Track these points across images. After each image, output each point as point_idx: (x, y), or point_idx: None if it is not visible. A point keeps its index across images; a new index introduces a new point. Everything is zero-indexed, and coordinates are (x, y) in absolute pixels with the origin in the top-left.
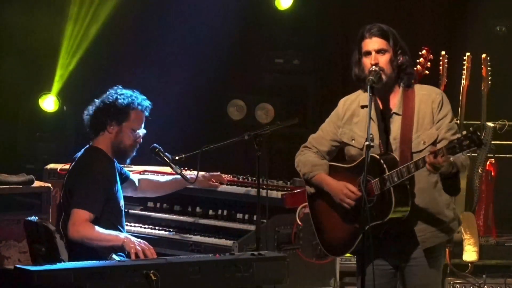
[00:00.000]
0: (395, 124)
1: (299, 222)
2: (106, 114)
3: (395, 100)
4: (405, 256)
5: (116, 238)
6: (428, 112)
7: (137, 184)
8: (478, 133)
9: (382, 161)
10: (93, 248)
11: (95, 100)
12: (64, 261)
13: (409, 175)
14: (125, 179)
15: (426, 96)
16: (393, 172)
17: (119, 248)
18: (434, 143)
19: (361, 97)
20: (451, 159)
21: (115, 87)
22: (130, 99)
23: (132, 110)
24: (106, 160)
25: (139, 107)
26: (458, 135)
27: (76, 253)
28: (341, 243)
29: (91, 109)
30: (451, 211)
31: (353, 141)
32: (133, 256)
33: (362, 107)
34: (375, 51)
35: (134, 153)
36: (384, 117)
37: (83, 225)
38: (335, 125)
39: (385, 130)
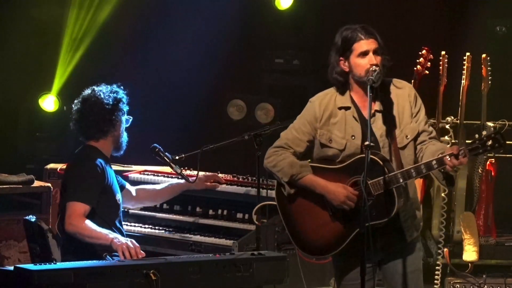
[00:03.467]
0: (378, 122)
1: None
2: (103, 125)
3: (375, 98)
4: (390, 250)
5: (106, 237)
6: (407, 106)
7: (134, 194)
8: (502, 133)
9: (380, 162)
10: (87, 248)
11: (80, 108)
12: (56, 261)
13: (418, 176)
14: (121, 188)
15: (402, 91)
16: (398, 173)
17: (108, 247)
18: (416, 137)
19: (337, 97)
20: None
21: (92, 93)
22: (114, 98)
23: (121, 104)
24: (101, 157)
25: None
26: (430, 127)
27: (70, 252)
28: (328, 243)
29: (81, 119)
30: (420, 206)
31: (330, 142)
32: (120, 255)
33: (340, 108)
34: (372, 52)
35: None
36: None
37: (78, 219)
38: (312, 126)
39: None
